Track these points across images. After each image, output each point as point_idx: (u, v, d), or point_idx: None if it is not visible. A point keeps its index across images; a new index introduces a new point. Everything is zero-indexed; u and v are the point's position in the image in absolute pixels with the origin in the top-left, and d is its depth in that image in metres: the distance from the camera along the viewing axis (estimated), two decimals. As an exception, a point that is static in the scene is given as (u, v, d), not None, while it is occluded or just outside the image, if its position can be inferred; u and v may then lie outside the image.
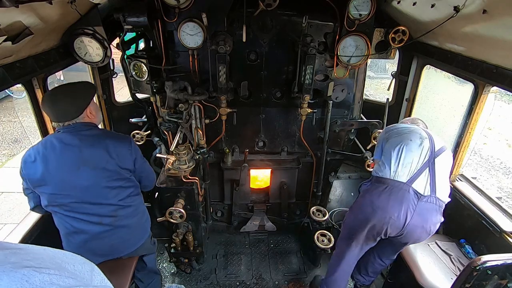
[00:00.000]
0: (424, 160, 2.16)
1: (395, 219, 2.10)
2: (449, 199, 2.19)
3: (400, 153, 2.19)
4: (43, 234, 2.26)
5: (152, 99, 2.75)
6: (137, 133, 3.10)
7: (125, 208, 2.03)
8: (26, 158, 1.86)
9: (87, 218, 1.94)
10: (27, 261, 0.73)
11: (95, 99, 2.93)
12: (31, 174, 1.84)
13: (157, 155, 2.85)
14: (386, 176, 2.20)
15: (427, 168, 2.15)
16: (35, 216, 2.31)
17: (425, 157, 2.17)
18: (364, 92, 3.13)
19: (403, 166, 2.17)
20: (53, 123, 1.91)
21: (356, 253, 2.42)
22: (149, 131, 3.15)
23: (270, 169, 3.27)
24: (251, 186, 3.45)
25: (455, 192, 2.64)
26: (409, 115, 3.28)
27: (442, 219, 2.18)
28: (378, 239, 2.29)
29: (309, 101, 2.68)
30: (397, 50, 2.80)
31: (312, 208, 3.28)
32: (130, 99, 3.11)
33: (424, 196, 2.10)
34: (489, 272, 1.54)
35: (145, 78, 2.56)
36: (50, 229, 2.12)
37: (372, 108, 3.40)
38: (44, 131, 2.37)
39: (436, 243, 2.55)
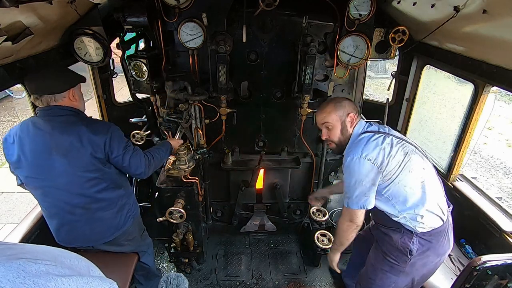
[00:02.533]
0: (436, 177, 1.88)
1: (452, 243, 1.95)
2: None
3: (429, 189, 1.78)
4: (43, 234, 2.25)
5: (152, 99, 2.75)
6: (137, 133, 3.10)
7: (99, 201, 1.99)
8: (6, 137, 1.88)
9: (59, 204, 1.93)
10: (23, 254, 0.74)
11: (94, 98, 2.94)
12: (9, 156, 1.88)
13: (157, 155, 2.85)
14: (438, 225, 1.81)
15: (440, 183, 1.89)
16: (35, 216, 2.31)
17: (435, 175, 1.88)
18: (364, 92, 3.13)
19: (440, 202, 1.82)
20: (33, 99, 1.87)
21: None
22: (149, 131, 3.15)
23: (270, 169, 3.27)
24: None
25: (455, 192, 2.64)
26: (409, 115, 3.27)
27: None
28: None
29: (309, 101, 2.68)
30: (397, 50, 2.80)
31: (312, 208, 3.28)
32: (130, 99, 3.11)
33: (448, 208, 1.92)
34: (489, 272, 1.54)
35: (145, 78, 2.56)
36: (50, 229, 2.12)
37: (372, 108, 3.40)
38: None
39: (436, 243, 2.55)
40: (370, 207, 1.79)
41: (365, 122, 1.90)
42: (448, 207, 1.92)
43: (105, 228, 2.09)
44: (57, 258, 0.79)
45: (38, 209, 2.38)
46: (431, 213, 1.79)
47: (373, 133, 1.80)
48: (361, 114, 3.16)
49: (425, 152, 1.92)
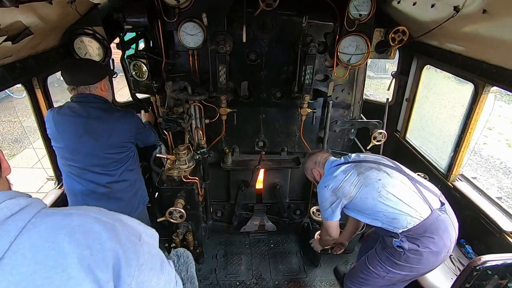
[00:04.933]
0: (404, 180, 2.06)
1: (453, 239, 2.00)
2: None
3: (391, 195, 1.99)
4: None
5: (152, 99, 2.75)
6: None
7: (121, 182, 2.18)
8: (47, 116, 2.12)
9: (84, 183, 2.12)
10: (95, 211, 0.89)
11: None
12: (49, 129, 2.10)
13: (157, 155, 2.85)
14: (415, 223, 1.95)
15: (413, 185, 2.04)
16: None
17: (402, 178, 2.06)
18: (364, 92, 3.13)
19: (409, 203, 1.97)
20: (66, 87, 2.09)
21: None
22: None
23: (270, 169, 3.27)
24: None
25: (455, 192, 2.64)
26: (409, 115, 3.28)
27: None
28: None
29: (309, 101, 2.67)
30: (397, 50, 2.80)
31: (312, 208, 3.28)
32: (130, 99, 3.11)
33: (440, 207, 2.01)
34: (489, 272, 1.54)
35: (145, 78, 2.56)
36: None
37: (372, 108, 3.40)
38: (43, 131, 2.37)
39: (436, 243, 2.56)
40: (335, 219, 2.20)
41: (333, 160, 2.33)
42: (442, 205, 2.02)
43: (122, 209, 2.18)
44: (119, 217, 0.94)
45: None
46: (402, 213, 1.96)
47: (337, 167, 2.22)
48: (361, 114, 3.18)
49: (395, 163, 2.19)
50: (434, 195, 2.07)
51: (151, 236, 0.95)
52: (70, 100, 2.13)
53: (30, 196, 0.83)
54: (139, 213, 2.37)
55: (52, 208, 0.85)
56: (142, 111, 2.87)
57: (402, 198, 1.98)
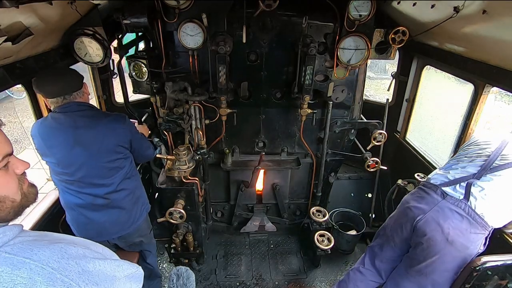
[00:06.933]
0: (477, 165, 1.93)
1: (411, 207, 2.06)
2: (499, 225, 1.88)
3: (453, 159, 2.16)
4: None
5: (152, 99, 2.76)
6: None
7: (120, 191, 2.08)
8: (33, 131, 1.97)
9: (81, 196, 2.02)
10: (60, 240, 0.83)
11: (94, 98, 2.98)
12: (37, 144, 1.96)
13: (157, 155, 2.85)
14: (432, 177, 2.15)
15: (475, 178, 1.88)
16: (35, 217, 2.31)
17: (479, 165, 1.92)
18: (364, 92, 3.13)
19: (443, 169, 2.13)
20: (50, 101, 1.96)
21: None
22: (149, 132, 3.16)
23: (270, 170, 3.27)
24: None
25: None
26: (409, 116, 3.28)
27: (482, 246, 1.88)
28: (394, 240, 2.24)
29: (309, 101, 2.68)
30: (397, 51, 2.80)
31: (312, 208, 3.28)
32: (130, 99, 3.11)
33: (451, 197, 1.92)
34: (489, 273, 1.54)
35: (145, 78, 2.56)
36: (51, 230, 2.12)
37: (372, 109, 3.40)
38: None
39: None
40: None
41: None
42: (450, 197, 1.94)
43: (124, 219, 2.16)
44: (87, 245, 0.87)
45: (39, 210, 2.39)
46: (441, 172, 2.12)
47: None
48: (361, 115, 3.18)
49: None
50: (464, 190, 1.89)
51: (131, 277, 0.89)
52: (35, 115, 2.03)
53: (5, 225, 0.80)
54: (141, 222, 2.28)
55: (20, 240, 0.77)
56: (136, 123, 2.78)
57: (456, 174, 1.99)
